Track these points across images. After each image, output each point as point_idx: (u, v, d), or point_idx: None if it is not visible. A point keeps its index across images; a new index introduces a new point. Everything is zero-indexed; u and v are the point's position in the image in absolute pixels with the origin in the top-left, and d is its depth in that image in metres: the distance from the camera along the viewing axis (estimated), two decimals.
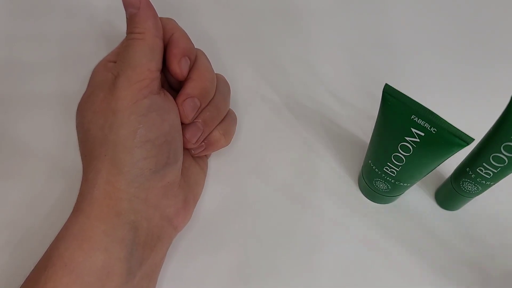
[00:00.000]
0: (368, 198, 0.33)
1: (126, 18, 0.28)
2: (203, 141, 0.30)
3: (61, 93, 0.37)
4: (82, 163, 0.27)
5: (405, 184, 0.29)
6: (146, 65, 0.26)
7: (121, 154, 0.25)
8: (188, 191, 0.30)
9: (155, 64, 0.27)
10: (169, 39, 0.29)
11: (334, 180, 0.34)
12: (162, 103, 0.27)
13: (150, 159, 0.25)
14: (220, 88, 0.31)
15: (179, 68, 0.28)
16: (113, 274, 0.24)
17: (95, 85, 0.27)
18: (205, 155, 0.33)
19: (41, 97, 0.37)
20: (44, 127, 0.36)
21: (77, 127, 0.27)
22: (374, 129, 0.27)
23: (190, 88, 0.28)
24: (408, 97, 0.23)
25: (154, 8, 0.28)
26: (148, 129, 0.25)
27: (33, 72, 0.38)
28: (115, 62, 0.28)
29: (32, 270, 0.24)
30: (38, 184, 0.33)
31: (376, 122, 0.26)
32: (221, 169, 0.35)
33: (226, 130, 0.31)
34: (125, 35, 0.28)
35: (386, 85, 0.23)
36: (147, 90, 0.26)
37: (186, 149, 0.30)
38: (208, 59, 0.32)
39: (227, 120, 0.31)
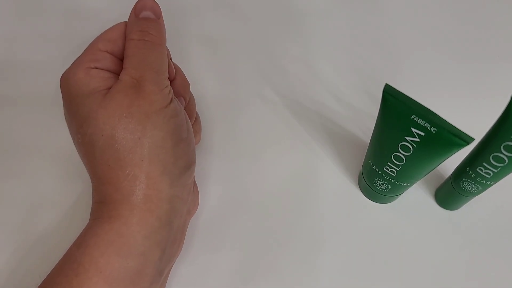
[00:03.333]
0: (368, 198, 0.34)
1: (134, 15, 0.27)
2: None
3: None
4: (101, 171, 0.25)
5: (405, 184, 0.29)
6: (166, 73, 0.27)
7: (162, 156, 0.25)
8: (194, 181, 0.31)
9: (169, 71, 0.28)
10: None
11: (334, 180, 0.34)
12: (180, 105, 0.28)
13: (185, 157, 0.27)
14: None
15: (171, 68, 0.30)
16: (145, 275, 0.24)
17: (93, 89, 0.25)
18: None
19: (43, 97, 0.37)
20: (46, 127, 0.36)
21: (92, 135, 0.25)
22: (374, 129, 0.27)
23: (177, 87, 0.30)
24: (408, 97, 0.23)
25: None
26: (180, 129, 0.26)
27: (36, 73, 0.38)
28: (97, 68, 0.26)
29: (54, 275, 0.24)
30: (42, 185, 0.33)
31: (376, 122, 0.26)
32: (221, 169, 0.35)
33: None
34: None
35: (386, 85, 0.23)
36: (171, 95, 0.27)
37: None
38: None
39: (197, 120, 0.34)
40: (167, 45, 0.28)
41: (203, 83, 0.38)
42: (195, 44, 0.41)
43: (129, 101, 0.25)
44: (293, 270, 0.31)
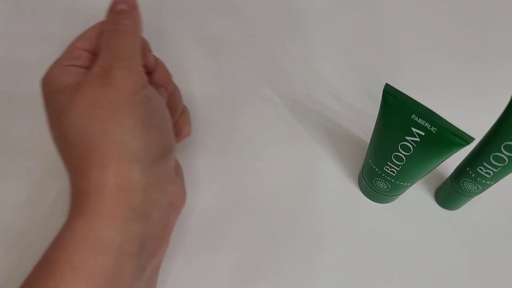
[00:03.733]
0: (368, 198, 0.34)
1: (110, 11, 0.28)
2: None
3: None
4: (75, 164, 0.25)
5: (406, 184, 0.29)
6: (138, 60, 0.27)
7: (132, 143, 0.24)
8: (180, 173, 0.31)
9: (142, 60, 0.28)
10: None
11: (334, 180, 0.34)
12: (155, 92, 0.28)
13: (158, 145, 0.26)
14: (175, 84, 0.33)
15: (153, 59, 0.30)
16: (124, 271, 0.24)
17: (67, 85, 0.26)
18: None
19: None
20: (46, 127, 0.36)
21: (64, 129, 0.25)
22: (374, 129, 0.27)
23: (158, 78, 0.30)
24: (408, 96, 0.23)
25: None
26: (152, 116, 0.26)
27: (36, 73, 0.38)
28: (73, 65, 0.27)
29: (32, 276, 0.23)
30: (40, 184, 0.33)
31: (377, 121, 0.26)
32: (221, 169, 0.35)
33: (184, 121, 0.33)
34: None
35: (387, 84, 0.23)
36: (143, 81, 0.26)
37: None
38: None
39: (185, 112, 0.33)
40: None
41: (203, 83, 0.38)
42: (195, 44, 0.41)
43: (96, 90, 0.25)
44: (293, 270, 0.31)
